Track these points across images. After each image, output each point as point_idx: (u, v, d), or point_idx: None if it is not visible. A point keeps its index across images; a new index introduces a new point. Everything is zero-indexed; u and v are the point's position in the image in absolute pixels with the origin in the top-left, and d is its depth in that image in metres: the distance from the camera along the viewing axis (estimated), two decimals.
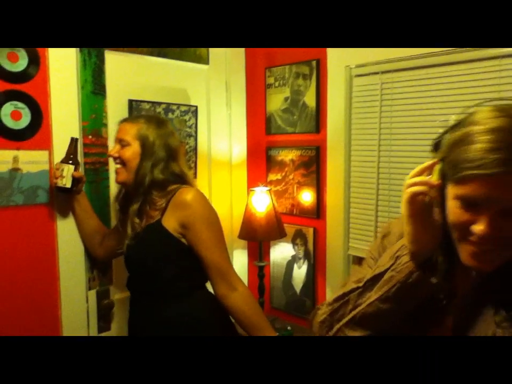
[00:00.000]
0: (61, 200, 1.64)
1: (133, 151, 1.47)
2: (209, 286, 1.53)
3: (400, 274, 0.75)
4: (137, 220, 1.46)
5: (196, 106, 2.07)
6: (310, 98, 2.09)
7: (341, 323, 0.84)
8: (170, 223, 1.43)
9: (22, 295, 1.57)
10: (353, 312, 0.82)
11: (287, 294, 2.24)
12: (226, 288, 1.44)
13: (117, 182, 1.54)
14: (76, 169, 1.55)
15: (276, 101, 2.23)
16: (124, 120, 1.56)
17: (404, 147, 1.81)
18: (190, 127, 2.05)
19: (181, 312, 1.45)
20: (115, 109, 1.80)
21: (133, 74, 1.86)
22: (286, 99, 2.19)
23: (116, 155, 1.50)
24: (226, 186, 2.21)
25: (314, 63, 2.05)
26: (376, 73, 1.86)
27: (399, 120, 1.82)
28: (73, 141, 1.57)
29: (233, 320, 1.52)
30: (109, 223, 1.77)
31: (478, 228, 0.66)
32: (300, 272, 2.17)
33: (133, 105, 1.85)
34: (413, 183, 0.73)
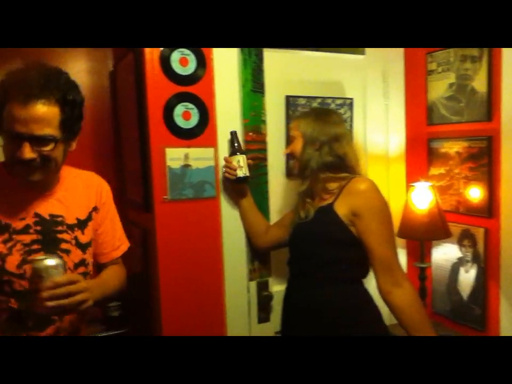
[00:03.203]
0: (227, 193, 1.73)
1: (297, 143, 1.55)
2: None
3: None
4: (308, 199, 1.52)
5: (352, 99, 2.00)
6: (480, 83, 1.87)
7: None
8: (341, 209, 1.44)
9: (190, 283, 1.68)
10: None
11: (452, 299, 2.04)
12: (391, 284, 1.40)
13: (294, 174, 1.64)
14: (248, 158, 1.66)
15: (439, 88, 2.05)
16: (294, 118, 1.70)
17: None
18: (345, 120, 1.99)
19: (335, 299, 1.45)
20: (273, 106, 1.84)
21: (289, 70, 1.88)
22: (450, 85, 2.00)
23: (287, 151, 1.63)
24: (383, 181, 2.10)
25: None
26: None
27: None
28: (234, 134, 1.68)
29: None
30: (267, 217, 1.81)
31: None
32: (468, 276, 1.96)
33: (290, 101, 1.86)
34: None
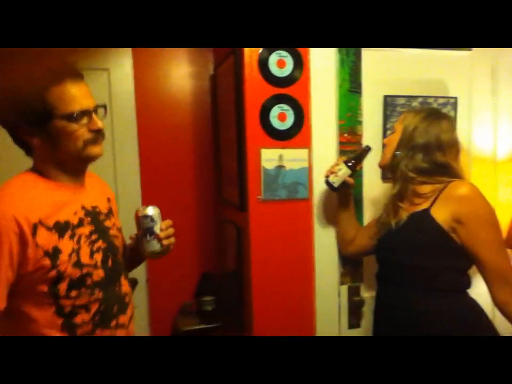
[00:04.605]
0: (321, 195, 1.72)
1: (393, 136, 1.50)
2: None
3: None
4: (401, 204, 1.44)
5: (456, 98, 1.88)
6: None
7: None
8: (440, 214, 1.35)
9: (281, 282, 1.69)
10: None
11: None
12: (509, 294, 1.31)
13: (380, 166, 1.58)
14: (351, 175, 1.57)
15: None
16: (406, 111, 1.63)
17: None
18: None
19: (436, 310, 1.36)
20: (370, 106, 1.79)
21: (388, 70, 1.81)
22: None
23: (385, 141, 1.58)
24: (490, 186, 1.95)
25: None
26: None
27: None
28: (365, 150, 1.60)
29: None
30: (361, 220, 1.77)
31: None
32: None
33: (388, 101, 1.80)
34: None
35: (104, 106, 1.16)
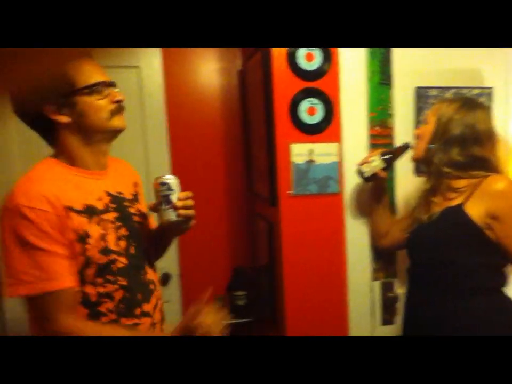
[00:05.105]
0: (353, 190, 1.71)
1: (425, 128, 1.45)
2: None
3: None
4: (433, 199, 1.41)
5: (491, 88, 1.82)
6: None
7: None
8: (475, 210, 1.31)
9: (313, 277, 1.69)
10: None
11: None
12: None
13: (413, 159, 1.54)
14: (384, 169, 1.55)
15: None
16: (439, 100, 1.59)
17: None
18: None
19: (468, 308, 1.32)
20: (401, 98, 1.75)
21: (420, 60, 1.76)
22: None
23: (417, 132, 1.52)
24: None
25: None
26: None
27: None
28: (404, 147, 1.56)
29: None
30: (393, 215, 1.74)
31: None
32: None
33: (420, 93, 1.76)
34: None
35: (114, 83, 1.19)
